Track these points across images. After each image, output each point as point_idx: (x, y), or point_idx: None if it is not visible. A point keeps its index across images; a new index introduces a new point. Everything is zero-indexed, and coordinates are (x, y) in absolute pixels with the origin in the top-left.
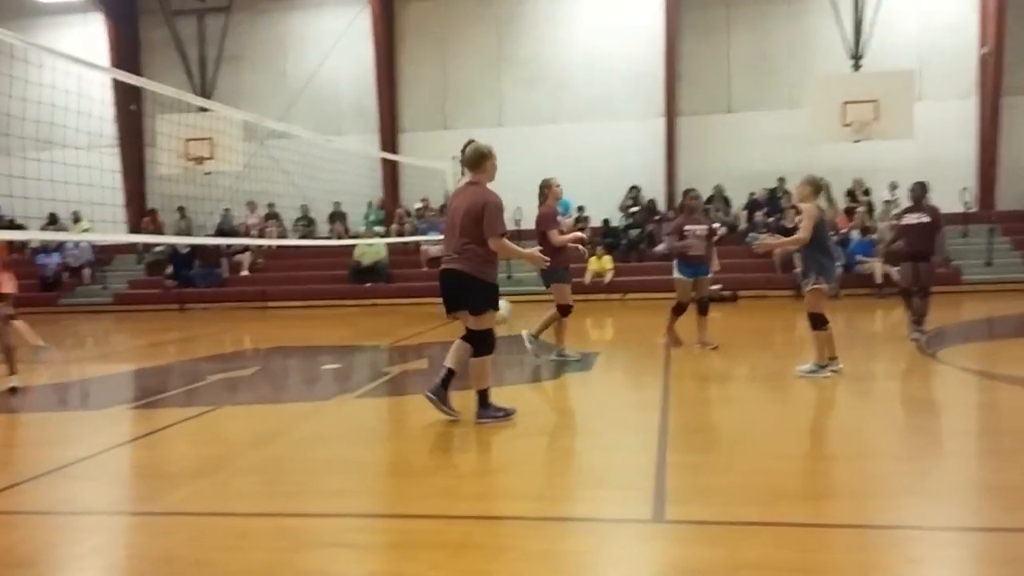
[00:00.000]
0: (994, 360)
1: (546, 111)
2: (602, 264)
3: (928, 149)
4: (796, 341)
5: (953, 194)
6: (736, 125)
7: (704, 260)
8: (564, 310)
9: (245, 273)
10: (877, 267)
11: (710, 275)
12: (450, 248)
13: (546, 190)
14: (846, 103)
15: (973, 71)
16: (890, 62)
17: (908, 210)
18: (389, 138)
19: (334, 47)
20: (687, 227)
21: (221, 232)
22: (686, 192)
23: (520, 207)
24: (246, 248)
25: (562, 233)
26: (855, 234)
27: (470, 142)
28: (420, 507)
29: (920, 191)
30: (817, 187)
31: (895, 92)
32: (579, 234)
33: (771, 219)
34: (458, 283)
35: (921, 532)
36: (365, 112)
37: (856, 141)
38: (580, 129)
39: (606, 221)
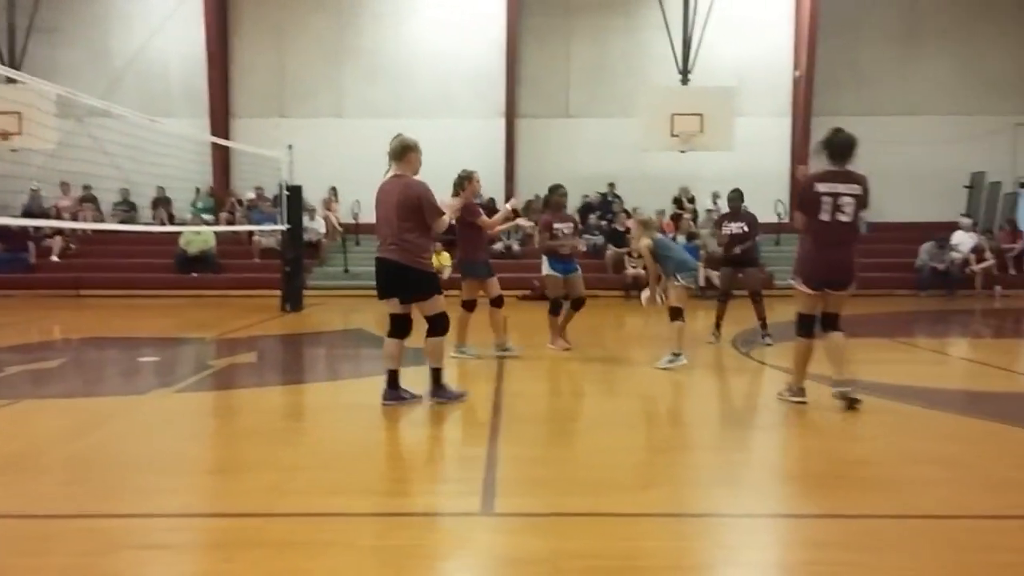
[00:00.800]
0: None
1: (387, 105)
2: (440, 260)
3: (747, 162)
4: (626, 339)
5: (768, 205)
6: (573, 130)
7: (574, 256)
8: (497, 302)
9: (55, 259)
10: (700, 271)
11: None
12: (386, 238)
13: (466, 182)
14: (674, 115)
15: (787, 92)
16: (714, 79)
17: (726, 217)
18: (221, 123)
19: (163, 26)
20: (556, 224)
21: (29, 214)
22: (553, 188)
23: (358, 200)
24: (57, 232)
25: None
26: (680, 239)
27: (397, 136)
28: (241, 505)
29: (738, 199)
30: (646, 226)
31: (718, 107)
32: (509, 210)
33: (603, 222)
34: (396, 273)
35: (733, 519)
36: (195, 95)
37: (683, 151)
38: (421, 125)
39: None
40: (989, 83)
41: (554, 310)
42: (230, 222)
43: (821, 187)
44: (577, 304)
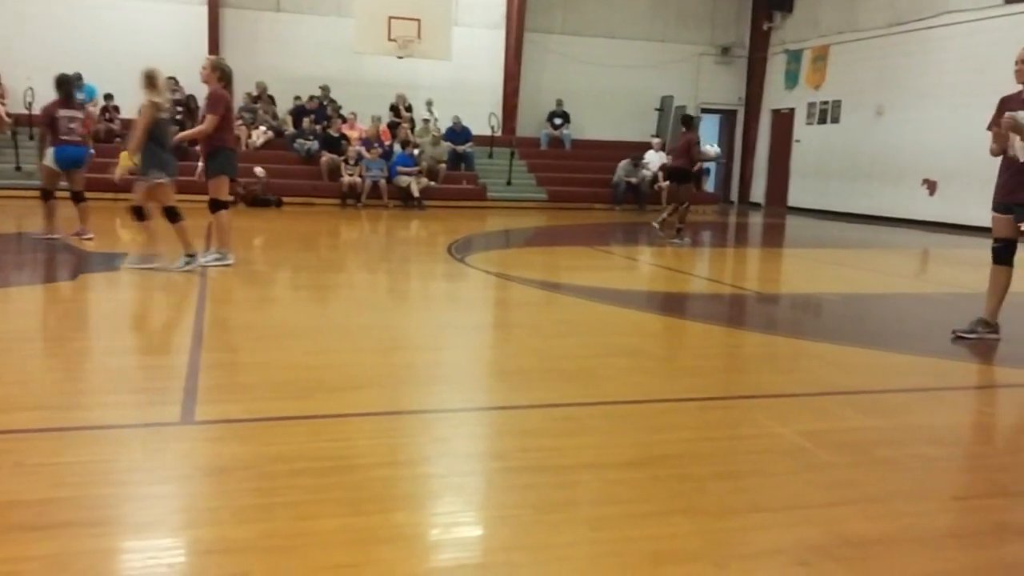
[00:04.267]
0: (510, 264)
1: None
2: (135, 160)
3: (463, 73)
4: (340, 246)
5: (482, 118)
6: (285, 25)
7: (82, 146)
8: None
9: None
10: (413, 181)
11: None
12: None
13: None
14: (391, 18)
15: (501, 5)
16: None
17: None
18: None
19: None
20: (61, 112)
21: None
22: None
23: (32, 87)
24: None
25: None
26: (397, 147)
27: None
28: None
29: (684, 121)
30: (151, 83)
31: (435, 14)
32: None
33: (317, 127)
34: None
35: (446, 413)
36: None
37: (400, 57)
38: (110, 5)
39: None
40: (679, 14)
41: (46, 197)
42: None
43: None
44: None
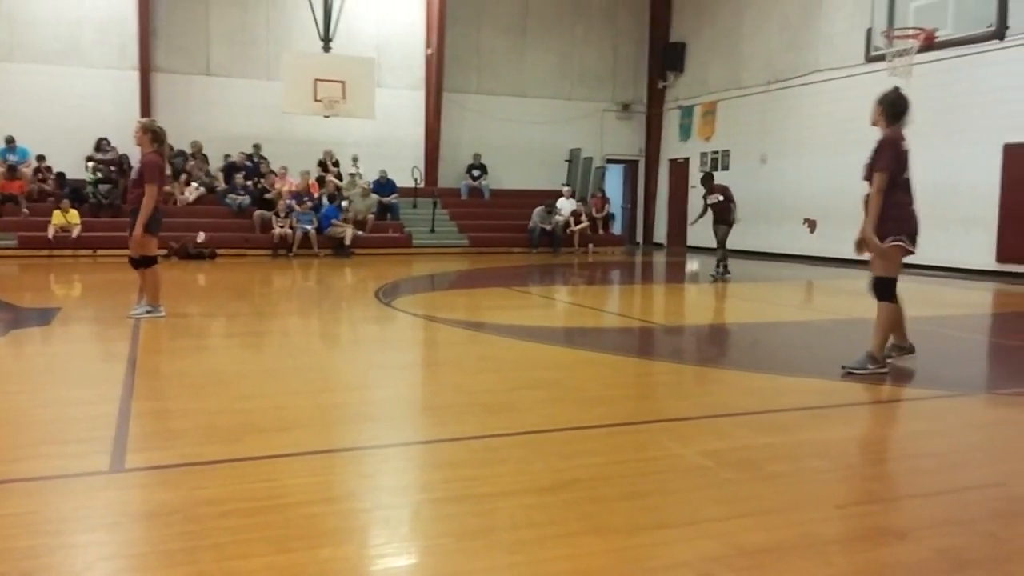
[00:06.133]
0: (435, 307)
1: (1, 47)
2: (68, 218)
3: (387, 130)
4: (272, 294)
5: (406, 171)
6: (216, 88)
7: None
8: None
9: None
10: (348, 230)
11: None
12: None
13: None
14: (317, 80)
15: (421, 67)
16: (355, 49)
17: (707, 194)
18: None
19: None
20: None
21: None
22: None
23: None
24: None
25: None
26: (326, 200)
27: None
28: None
29: (708, 180)
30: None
31: (359, 76)
32: None
33: (249, 182)
34: None
35: (374, 450)
36: None
37: (327, 116)
38: (42, 71)
39: (61, 174)
40: (583, 75)
41: None
42: None
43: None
44: None
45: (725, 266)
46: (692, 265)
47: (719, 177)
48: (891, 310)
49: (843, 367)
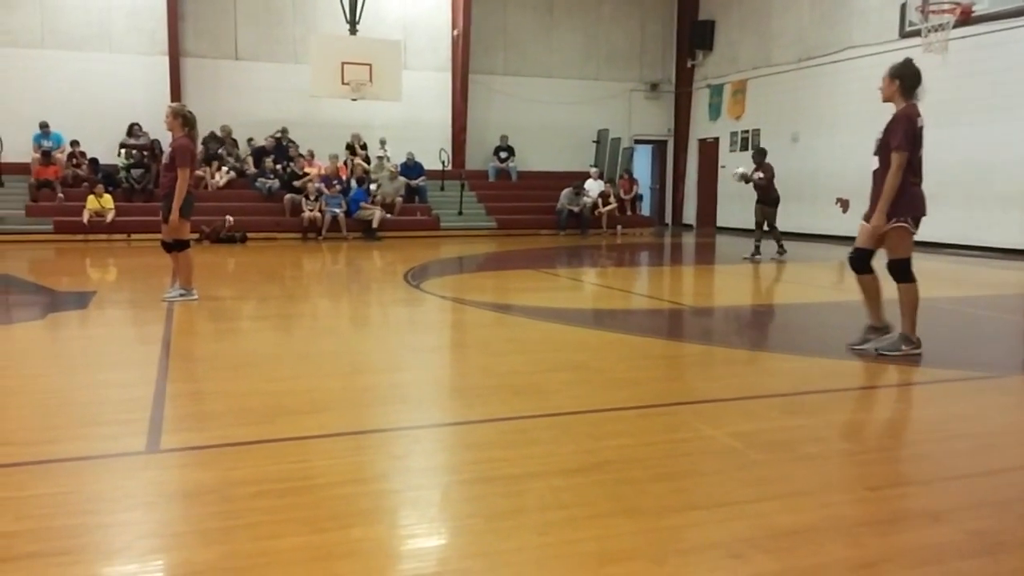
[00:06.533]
0: (463, 289)
1: (33, 34)
2: (102, 203)
3: (414, 112)
4: (302, 277)
5: (433, 154)
6: (244, 73)
7: None
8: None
9: None
10: (376, 213)
11: None
12: None
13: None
14: (344, 63)
15: (447, 49)
16: (382, 31)
17: (755, 169)
18: None
19: None
20: None
21: None
22: None
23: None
24: None
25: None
26: (354, 183)
27: None
28: None
29: (760, 156)
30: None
31: (386, 58)
32: None
33: (279, 166)
34: None
35: (404, 431)
36: None
37: (354, 99)
38: (74, 57)
39: (94, 160)
40: (611, 54)
41: None
42: None
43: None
44: None
45: (781, 245)
46: (723, 245)
47: (747, 159)
48: (912, 289)
49: (876, 349)
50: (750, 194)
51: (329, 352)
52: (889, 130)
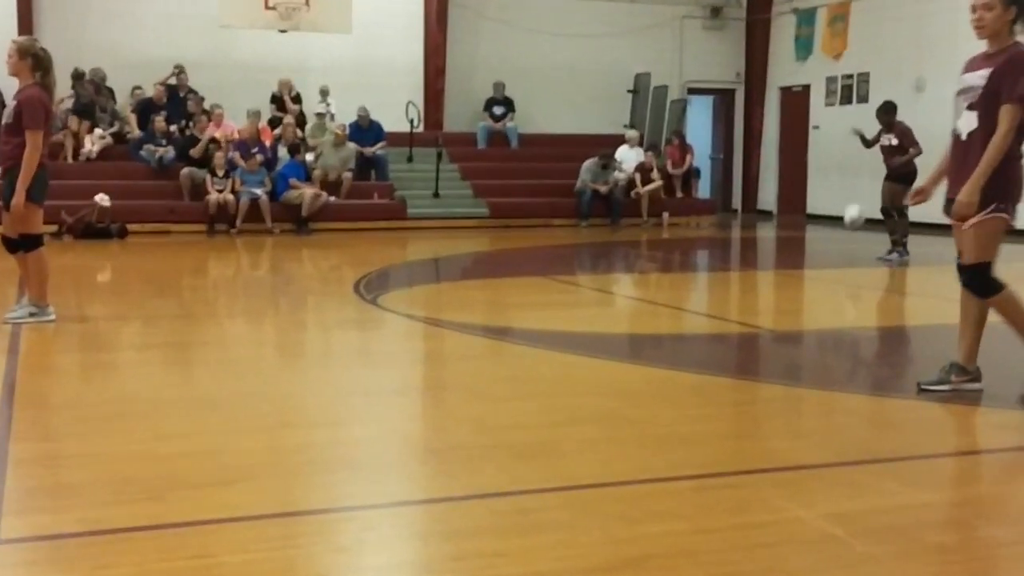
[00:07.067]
0: (440, 305)
1: None
2: None
3: (369, 50)
4: (207, 288)
5: (398, 109)
6: None
7: None
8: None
9: None
10: (313, 195)
11: None
12: None
13: None
14: None
15: None
16: None
17: (881, 132)
18: None
19: None
20: None
21: None
22: None
23: None
24: None
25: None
26: (283, 152)
27: None
28: None
29: (886, 114)
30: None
31: None
32: None
33: (173, 127)
34: None
35: (353, 513)
36: None
37: (283, 31)
38: None
39: None
40: None
41: None
42: None
43: None
44: None
45: (904, 244)
46: (815, 241)
47: (858, 114)
48: (1011, 301)
49: (918, 384)
50: (854, 166)
51: (246, 396)
52: (1001, 74)
